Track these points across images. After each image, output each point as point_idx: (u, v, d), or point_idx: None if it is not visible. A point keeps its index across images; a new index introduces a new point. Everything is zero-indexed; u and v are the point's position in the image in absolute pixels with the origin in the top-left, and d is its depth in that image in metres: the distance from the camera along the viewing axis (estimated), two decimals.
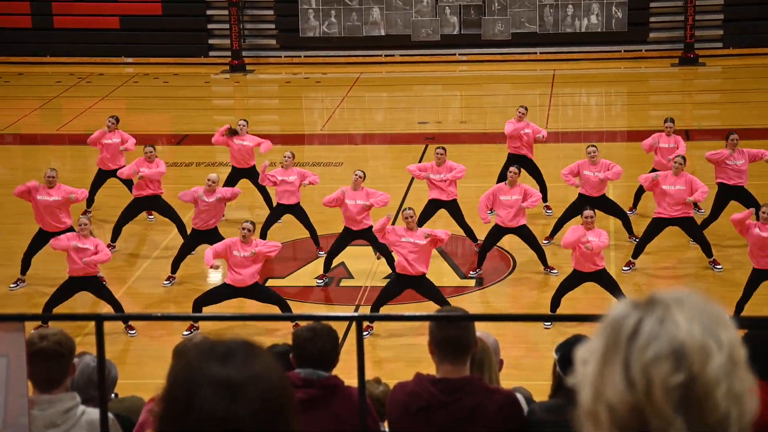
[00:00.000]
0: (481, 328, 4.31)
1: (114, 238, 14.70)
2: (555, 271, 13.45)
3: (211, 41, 26.79)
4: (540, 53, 25.69)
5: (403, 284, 12.05)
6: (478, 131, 20.76)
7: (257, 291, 12.22)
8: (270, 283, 13.76)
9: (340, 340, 4.68)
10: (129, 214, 14.71)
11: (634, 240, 14.24)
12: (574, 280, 12.11)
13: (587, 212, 12.13)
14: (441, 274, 13.92)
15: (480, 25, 25.84)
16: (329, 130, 21.25)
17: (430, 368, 4.03)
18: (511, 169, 13.70)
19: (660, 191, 13.50)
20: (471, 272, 13.84)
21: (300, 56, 26.45)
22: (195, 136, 20.77)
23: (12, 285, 13.63)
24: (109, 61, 26.49)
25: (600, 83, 24.20)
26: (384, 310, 12.18)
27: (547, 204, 15.73)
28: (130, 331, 12.33)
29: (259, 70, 25.98)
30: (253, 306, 12.62)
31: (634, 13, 25.52)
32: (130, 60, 26.54)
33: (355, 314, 3.39)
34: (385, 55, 26.09)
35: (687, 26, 24.83)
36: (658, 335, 1.55)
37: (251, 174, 15.61)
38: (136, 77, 25.56)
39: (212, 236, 13.40)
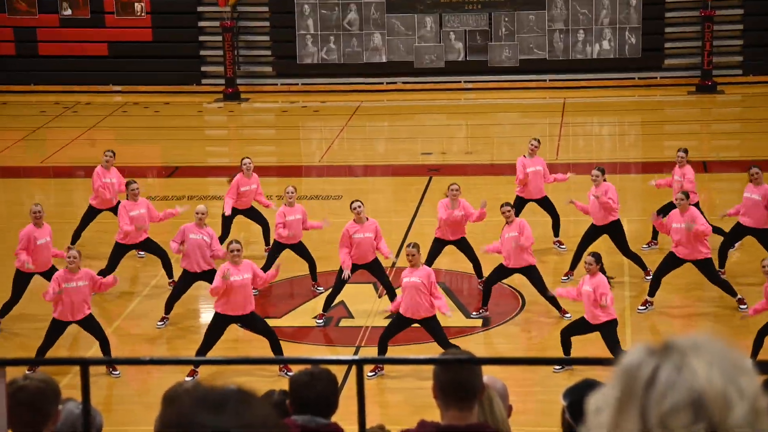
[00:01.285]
0: (488, 372, 4.29)
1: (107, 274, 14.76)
2: (568, 314, 13.41)
3: (203, 68, 26.92)
4: (549, 80, 25.80)
5: (408, 322, 12.08)
6: (484, 162, 20.80)
7: (253, 319, 12.22)
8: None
9: (339, 384, 4.66)
10: (117, 254, 14.77)
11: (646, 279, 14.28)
12: (584, 326, 12.07)
13: (588, 258, 12.12)
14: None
15: (486, 51, 25.97)
16: (328, 162, 21.30)
17: (436, 414, 4.02)
18: (503, 208, 13.61)
19: (671, 230, 13.56)
20: (474, 313, 13.81)
21: (297, 84, 26.56)
22: (187, 168, 20.81)
23: None
24: (97, 89, 26.61)
25: (613, 112, 24.28)
26: (389, 350, 12.15)
27: (559, 239, 15.73)
28: (113, 372, 12.28)
29: (255, 99, 26.09)
30: (246, 347, 12.59)
31: (648, 38, 25.65)
32: (118, 88, 26.66)
33: (356, 357, 3.38)
34: (387, 83, 26.21)
35: (704, 52, 24.94)
36: (676, 384, 1.55)
37: (249, 212, 15.70)
38: (125, 106, 25.67)
39: (207, 275, 13.48)
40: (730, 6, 25.56)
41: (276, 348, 12.12)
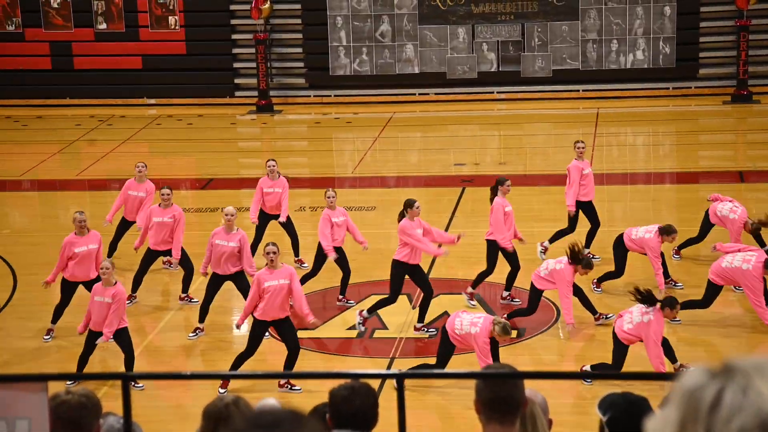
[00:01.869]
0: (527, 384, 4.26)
1: (134, 289, 14.79)
2: (610, 315, 13.37)
3: (236, 81, 27.05)
4: (583, 91, 25.71)
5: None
6: (518, 173, 20.73)
7: (286, 327, 12.21)
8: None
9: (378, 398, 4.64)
10: (146, 263, 14.81)
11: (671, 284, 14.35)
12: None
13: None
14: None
15: (519, 61, 25.92)
16: (361, 173, 21.31)
17: (474, 424, 3.99)
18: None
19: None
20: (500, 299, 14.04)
21: (330, 95, 26.63)
22: (221, 180, 20.89)
23: (45, 337, 13.73)
24: (131, 102, 26.80)
25: (647, 122, 24.14)
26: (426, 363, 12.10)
27: (588, 251, 15.63)
28: (136, 385, 12.25)
29: (288, 111, 26.17)
30: (276, 359, 12.59)
31: (682, 48, 25.50)
32: (152, 101, 26.84)
33: (398, 371, 3.38)
34: (420, 94, 26.21)
35: (739, 62, 24.76)
36: (743, 406, 1.52)
37: (284, 223, 15.72)
38: (159, 119, 25.83)
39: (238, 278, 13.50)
40: (766, 15, 25.37)
41: (290, 362, 12.04)
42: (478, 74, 26.00)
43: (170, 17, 26.85)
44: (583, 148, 15.71)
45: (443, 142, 23.25)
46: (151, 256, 14.76)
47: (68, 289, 13.57)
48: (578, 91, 25.74)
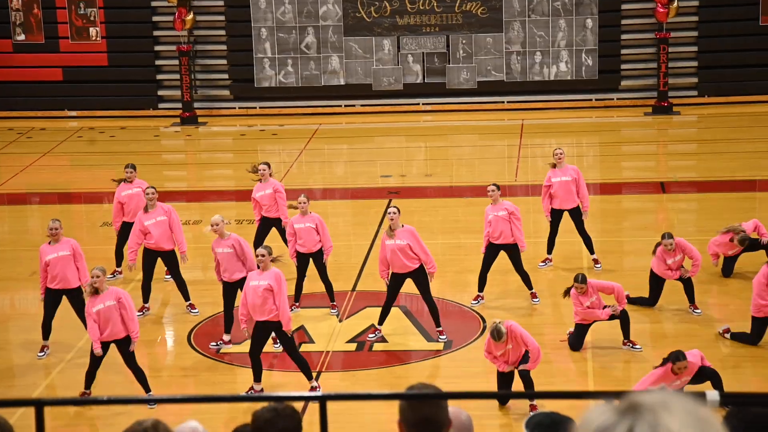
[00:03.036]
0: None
1: (145, 299, 14.62)
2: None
3: (160, 92, 26.76)
4: (507, 102, 25.93)
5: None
6: (444, 184, 20.82)
7: (281, 333, 12.24)
8: (228, 348, 13.60)
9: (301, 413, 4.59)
10: (149, 268, 14.65)
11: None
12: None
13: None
14: (407, 335, 13.85)
15: (444, 73, 26.06)
16: (287, 185, 21.15)
17: None
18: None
19: None
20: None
21: (255, 107, 26.48)
22: None
23: (40, 353, 13.51)
24: (52, 114, 26.36)
25: (570, 133, 24.42)
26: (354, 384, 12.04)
27: (595, 257, 15.77)
28: (150, 406, 11.93)
29: (212, 123, 25.96)
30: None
31: (604, 60, 25.86)
32: (74, 113, 26.43)
33: (320, 394, 3.31)
34: (345, 105, 26.19)
35: (660, 74, 25.18)
36: None
37: (279, 223, 15.56)
38: (80, 131, 25.44)
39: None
40: (685, 28, 25.85)
41: (295, 358, 12.19)
42: (404, 86, 26.07)
43: (91, 28, 26.47)
44: (560, 155, 15.75)
45: (369, 154, 23.25)
46: (151, 259, 14.56)
47: (47, 299, 13.34)
48: (503, 102, 25.95)
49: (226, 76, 26.79)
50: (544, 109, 25.57)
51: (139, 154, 23.61)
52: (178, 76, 26.07)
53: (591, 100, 25.92)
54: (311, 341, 13.89)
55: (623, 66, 26.10)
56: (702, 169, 21.57)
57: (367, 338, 13.69)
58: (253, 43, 26.21)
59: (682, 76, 25.86)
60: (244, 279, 13.10)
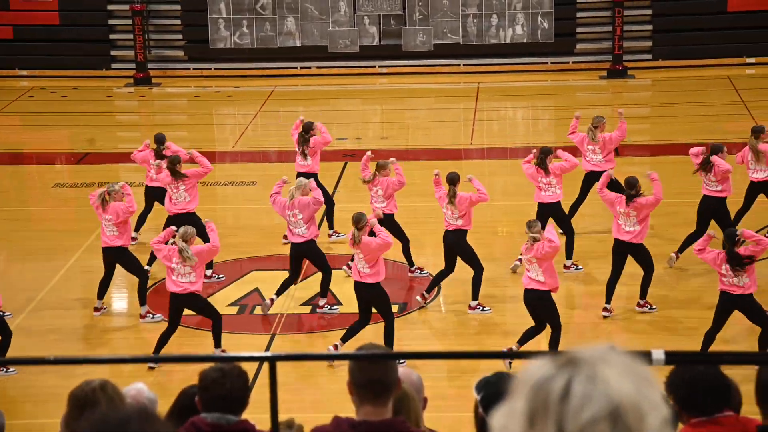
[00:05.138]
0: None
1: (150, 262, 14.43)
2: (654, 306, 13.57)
3: (113, 53, 26.42)
4: (463, 65, 25.89)
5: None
6: (399, 147, 20.80)
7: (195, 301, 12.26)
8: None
9: (252, 377, 4.58)
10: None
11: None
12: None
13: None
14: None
15: (401, 35, 25.95)
16: (242, 148, 21.08)
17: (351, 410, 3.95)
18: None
19: None
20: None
21: (210, 68, 26.24)
22: (97, 154, 20.41)
23: (96, 313, 13.49)
24: (2, 74, 25.95)
25: (526, 96, 24.46)
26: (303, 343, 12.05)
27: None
28: (8, 371, 11.88)
29: (166, 84, 25.70)
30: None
31: (560, 23, 25.88)
32: (24, 73, 26.04)
33: (269, 354, 3.29)
34: (301, 68, 26.03)
35: (615, 37, 25.26)
36: (592, 396, 1.53)
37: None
38: (31, 91, 25.08)
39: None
40: None
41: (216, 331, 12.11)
42: (360, 48, 25.94)
43: None
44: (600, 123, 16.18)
45: (325, 117, 23.10)
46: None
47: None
48: (459, 65, 25.91)
49: (180, 36, 26.50)
50: (500, 72, 25.57)
51: (92, 114, 23.34)
52: (131, 36, 25.75)
53: (546, 63, 25.96)
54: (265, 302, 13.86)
55: (579, 29, 26.15)
56: (655, 132, 21.73)
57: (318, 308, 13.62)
58: (207, 4, 25.92)
59: (636, 39, 25.97)
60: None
